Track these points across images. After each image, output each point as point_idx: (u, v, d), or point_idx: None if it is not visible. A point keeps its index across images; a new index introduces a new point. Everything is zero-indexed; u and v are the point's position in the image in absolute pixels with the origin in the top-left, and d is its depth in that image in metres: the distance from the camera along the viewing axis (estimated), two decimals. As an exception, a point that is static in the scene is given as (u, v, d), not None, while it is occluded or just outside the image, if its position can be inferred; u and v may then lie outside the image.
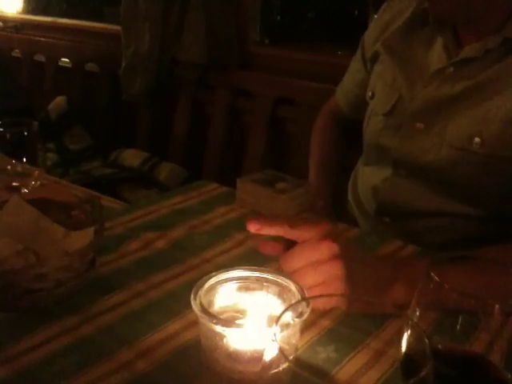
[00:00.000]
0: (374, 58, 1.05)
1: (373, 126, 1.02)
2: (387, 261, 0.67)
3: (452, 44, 0.89)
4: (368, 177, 1.05)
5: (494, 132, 0.82)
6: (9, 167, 0.79)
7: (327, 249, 0.57)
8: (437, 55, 0.92)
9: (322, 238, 0.58)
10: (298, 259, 0.57)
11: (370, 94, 1.04)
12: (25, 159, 0.80)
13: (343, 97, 1.21)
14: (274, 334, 0.32)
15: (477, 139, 0.84)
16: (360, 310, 0.56)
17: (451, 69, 0.88)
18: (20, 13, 2.62)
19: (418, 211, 0.93)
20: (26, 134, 0.79)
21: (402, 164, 0.94)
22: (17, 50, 2.41)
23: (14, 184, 0.78)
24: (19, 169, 0.79)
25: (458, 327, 0.43)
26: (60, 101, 2.14)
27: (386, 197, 0.97)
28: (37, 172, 0.81)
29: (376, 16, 1.12)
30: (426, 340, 0.31)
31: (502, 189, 0.85)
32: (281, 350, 0.30)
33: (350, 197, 1.15)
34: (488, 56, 0.84)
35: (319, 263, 0.57)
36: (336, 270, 0.57)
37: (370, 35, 1.09)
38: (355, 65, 1.16)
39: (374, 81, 1.04)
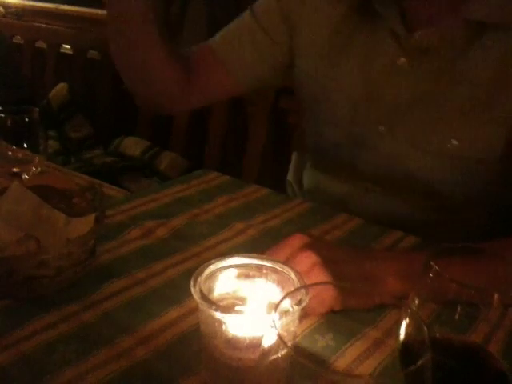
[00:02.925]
0: (291, 36, 0.90)
1: (328, 136, 0.91)
2: (373, 254, 0.64)
3: (401, 29, 0.76)
4: (323, 183, 0.97)
5: (468, 132, 0.76)
6: (9, 153, 0.79)
7: (298, 242, 0.60)
8: (385, 45, 0.79)
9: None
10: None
11: (310, 97, 0.92)
12: (26, 146, 0.80)
13: (244, 76, 0.96)
14: (273, 321, 0.32)
15: (454, 141, 0.76)
16: (356, 306, 0.56)
17: (404, 60, 0.77)
18: (21, -1, 2.60)
19: (387, 220, 0.83)
20: (27, 120, 0.79)
21: (369, 176, 0.87)
22: (18, 37, 2.39)
23: (15, 170, 0.78)
24: (20, 155, 0.79)
25: (457, 317, 0.43)
26: (61, 88, 2.13)
27: (352, 209, 0.87)
28: (37, 159, 0.81)
29: None
30: (425, 328, 0.31)
31: (481, 193, 0.80)
32: (280, 337, 0.31)
33: (290, 178, 1.09)
34: (447, 42, 0.74)
35: (293, 256, 0.58)
36: (311, 258, 0.57)
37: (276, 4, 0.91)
38: (253, 36, 0.93)
39: (316, 83, 0.89)
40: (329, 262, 0.57)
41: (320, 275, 0.56)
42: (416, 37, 0.76)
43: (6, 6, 2.52)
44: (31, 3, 2.55)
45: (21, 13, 2.48)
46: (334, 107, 0.88)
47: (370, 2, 0.79)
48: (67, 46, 2.25)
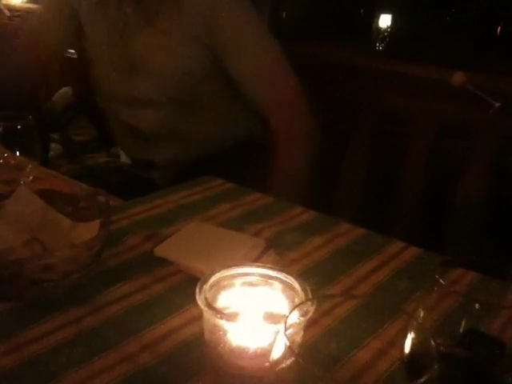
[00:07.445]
0: None
1: None
2: None
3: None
4: None
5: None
6: (1, 161, 0.79)
7: None
8: None
9: None
10: None
11: None
12: (18, 153, 0.80)
13: None
14: (284, 332, 0.33)
15: None
16: None
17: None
18: (26, 2, 2.61)
19: None
20: (19, 127, 0.80)
21: None
22: (23, 40, 2.40)
23: (7, 178, 0.78)
24: (12, 161, 0.79)
25: (461, 330, 0.44)
26: (65, 92, 2.14)
27: None
28: (30, 166, 0.81)
29: None
30: (432, 342, 0.32)
31: None
32: (290, 348, 0.31)
33: None
34: None
35: None
36: None
37: None
38: None
39: None
40: None
41: None
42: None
43: (11, 9, 2.53)
44: (35, 6, 2.56)
45: (25, 16, 2.48)
46: None
47: None
48: (71, 50, 2.25)
